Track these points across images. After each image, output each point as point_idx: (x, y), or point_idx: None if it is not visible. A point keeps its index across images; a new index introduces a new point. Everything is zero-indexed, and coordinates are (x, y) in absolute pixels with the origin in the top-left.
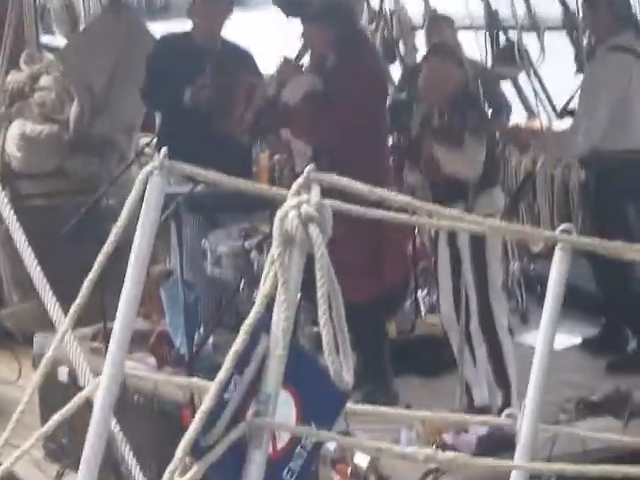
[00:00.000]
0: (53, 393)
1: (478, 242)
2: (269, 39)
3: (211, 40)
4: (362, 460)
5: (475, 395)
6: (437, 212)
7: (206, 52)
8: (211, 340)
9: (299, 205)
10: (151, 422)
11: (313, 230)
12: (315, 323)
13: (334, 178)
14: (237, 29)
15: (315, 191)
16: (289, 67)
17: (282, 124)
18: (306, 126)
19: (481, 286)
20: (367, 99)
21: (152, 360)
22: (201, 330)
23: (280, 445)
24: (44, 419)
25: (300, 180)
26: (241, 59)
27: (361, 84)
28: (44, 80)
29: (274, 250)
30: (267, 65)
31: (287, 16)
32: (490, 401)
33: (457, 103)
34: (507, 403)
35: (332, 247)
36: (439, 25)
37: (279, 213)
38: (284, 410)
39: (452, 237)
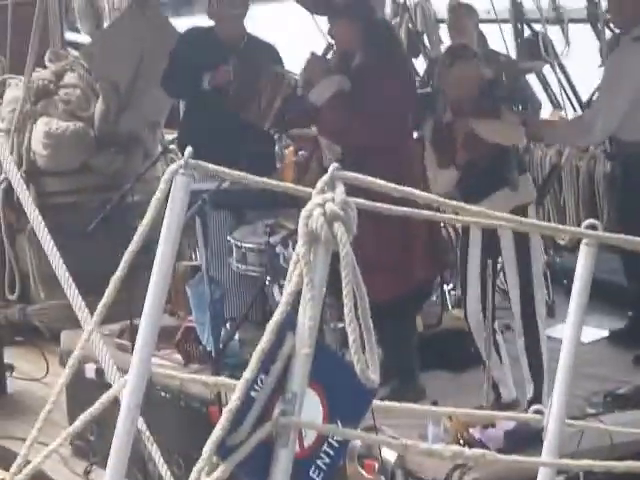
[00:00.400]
0: (80, 390)
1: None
2: (293, 32)
3: (234, 37)
4: (389, 455)
5: (502, 391)
6: (462, 209)
7: (230, 47)
8: (237, 336)
9: (324, 203)
10: (178, 418)
11: (338, 228)
12: (341, 319)
13: (358, 177)
14: (260, 22)
15: (340, 189)
16: (317, 64)
17: (309, 123)
18: (334, 127)
19: (524, 276)
20: (397, 96)
21: (178, 357)
22: (227, 326)
23: (307, 443)
24: (71, 416)
25: (325, 178)
26: (265, 51)
27: (390, 81)
28: (69, 77)
29: (299, 248)
30: (292, 59)
31: (312, 14)
32: (518, 395)
33: (485, 93)
34: (538, 396)
35: (361, 243)
36: (459, 17)
37: (304, 212)
38: (310, 409)
39: (488, 230)
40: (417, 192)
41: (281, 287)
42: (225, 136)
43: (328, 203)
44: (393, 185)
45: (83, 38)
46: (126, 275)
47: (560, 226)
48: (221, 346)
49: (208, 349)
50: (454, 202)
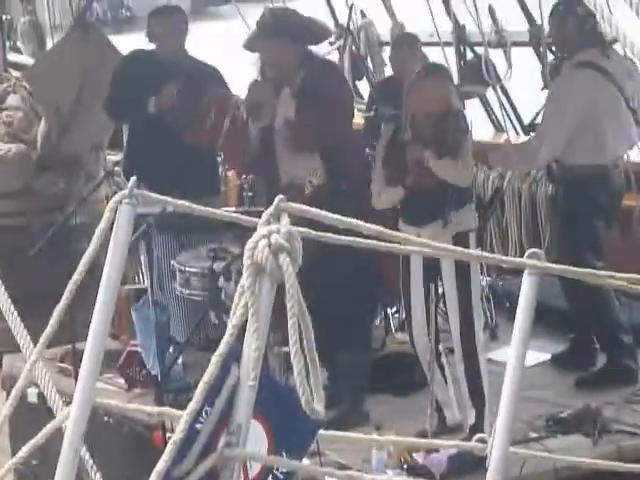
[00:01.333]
0: (22, 414)
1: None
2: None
3: (175, 57)
4: None
5: (447, 414)
6: (407, 240)
7: (172, 67)
8: (181, 360)
9: (269, 234)
10: (122, 443)
11: (283, 260)
12: (285, 343)
13: (303, 208)
14: (203, 41)
15: (285, 220)
16: (263, 89)
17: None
18: (309, 135)
19: (464, 301)
20: (335, 116)
21: (121, 381)
22: (171, 350)
23: (252, 475)
24: (13, 439)
25: (270, 210)
26: (207, 73)
27: (327, 103)
28: (11, 99)
29: (244, 280)
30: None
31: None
32: (462, 419)
33: (449, 117)
34: (480, 422)
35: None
36: (402, 51)
37: (249, 243)
38: (256, 440)
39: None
40: (362, 224)
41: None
42: (169, 160)
43: (273, 234)
44: (337, 217)
45: (25, 59)
46: (70, 304)
47: (503, 257)
48: (164, 371)
49: (153, 373)
50: (399, 234)
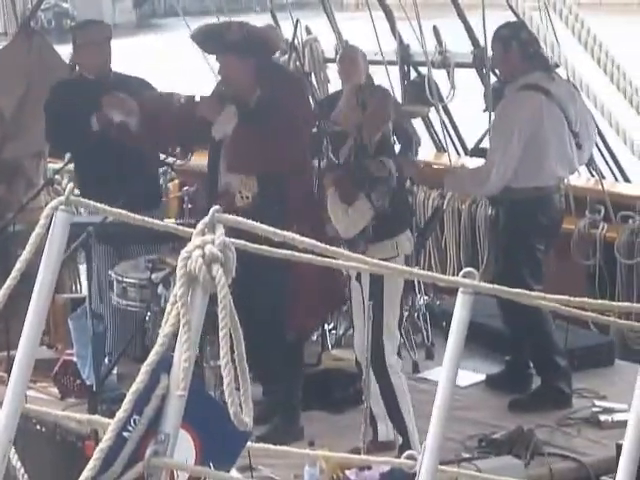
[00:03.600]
0: None
1: (376, 280)
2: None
3: (101, 74)
4: None
5: (380, 430)
6: (341, 255)
7: (100, 85)
8: (116, 370)
9: (203, 245)
10: (54, 453)
11: (217, 270)
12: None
13: (239, 220)
14: (148, 53)
15: (220, 231)
16: (210, 103)
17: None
18: (245, 158)
19: (375, 324)
20: (292, 134)
21: (55, 390)
22: (106, 361)
23: None
24: None
25: (205, 220)
26: (135, 84)
27: (286, 117)
28: None
29: (177, 290)
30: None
31: (204, 52)
32: (394, 436)
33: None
34: (406, 442)
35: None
36: (352, 60)
37: (183, 253)
38: (183, 450)
39: (359, 276)
40: (297, 237)
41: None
42: (111, 173)
43: (208, 245)
44: (272, 229)
45: None
46: (4, 305)
47: (437, 275)
48: (99, 381)
49: (88, 383)
50: (333, 248)
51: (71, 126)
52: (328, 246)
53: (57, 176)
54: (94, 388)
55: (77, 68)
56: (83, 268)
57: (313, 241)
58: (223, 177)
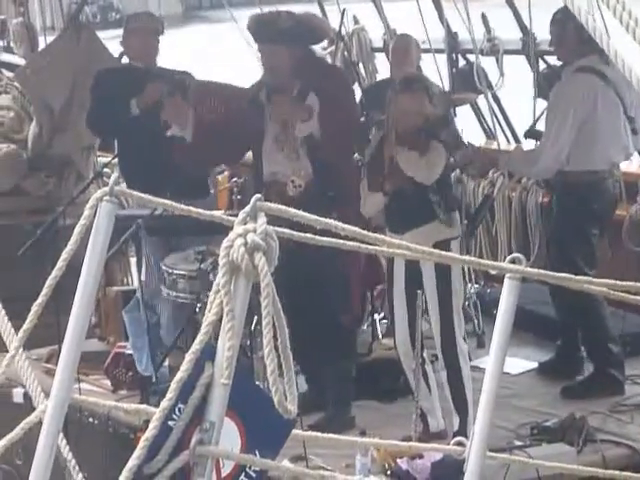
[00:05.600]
0: (8, 414)
1: (442, 265)
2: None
3: (148, 63)
4: None
5: (430, 421)
6: (385, 241)
7: (148, 73)
8: (167, 363)
9: (245, 234)
10: (106, 445)
11: (259, 259)
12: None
13: (280, 207)
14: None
15: (261, 220)
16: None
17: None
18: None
19: (445, 308)
20: (335, 128)
21: (107, 382)
22: (158, 353)
23: (224, 473)
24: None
25: (247, 209)
26: (181, 73)
27: (328, 107)
28: (3, 99)
29: (219, 279)
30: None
31: (256, 42)
32: (446, 426)
33: (427, 129)
34: (464, 428)
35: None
36: (406, 47)
37: (225, 242)
38: (228, 438)
39: (411, 261)
40: (340, 224)
41: None
42: (157, 161)
43: (249, 234)
44: (315, 217)
45: (18, 59)
46: (54, 299)
47: (482, 260)
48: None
49: (146, 374)
50: (378, 235)
51: (111, 110)
52: (374, 234)
53: (106, 169)
54: (153, 379)
55: (124, 57)
56: (134, 261)
57: (355, 228)
58: (268, 166)
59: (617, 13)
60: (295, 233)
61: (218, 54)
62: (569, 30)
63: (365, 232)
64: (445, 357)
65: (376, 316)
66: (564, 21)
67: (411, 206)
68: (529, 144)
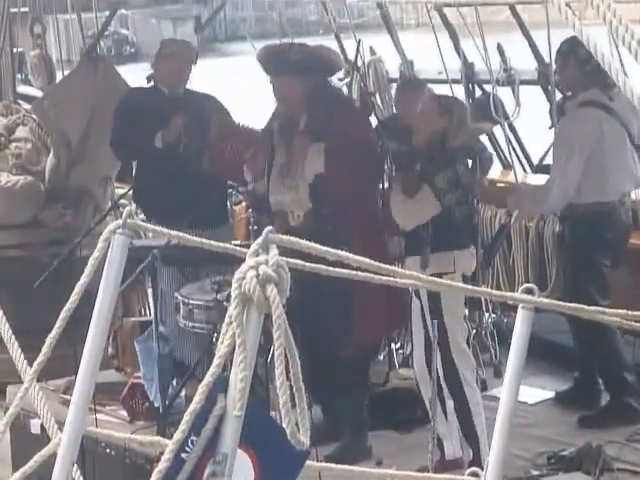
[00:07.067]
0: (25, 445)
1: (434, 297)
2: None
3: (175, 90)
4: None
5: (447, 448)
6: (394, 272)
7: (172, 101)
8: (184, 393)
9: (257, 266)
10: (123, 475)
11: (271, 291)
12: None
13: (292, 240)
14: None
15: (273, 251)
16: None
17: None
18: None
19: (441, 341)
20: (344, 161)
21: (124, 413)
22: (174, 383)
23: None
24: (16, 471)
25: (259, 240)
26: (207, 101)
27: (336, 139)
28: (20, 131)
29: (232, 310)
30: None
31: (266, 73)
32: (463, 454)
33: (436, 151)
34: (477, 458)
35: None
36: (407, 95)
37: (237, 274)
38: (242, 470)
39: (418, 293)
40: (351, 256)
41: None
42: (177, 192)
43: (262, 265)
44: (326, 248)
45: (35, 92)
46: (71, 330)
47: (494, 291)
48: (167, 403)
49: (156, 405)
50: (387, 266)
51: (135, 136)
52: (381, 264)
53: (123, 200)
54: (161, 410)
55: (152, 81)
56: (151, 291)
57: (366, 259)
58: (273, 196)
59: (626, 41)
60: (307, 264)
61: (235, 86)
62: (571, 63)
63: (376, 263)
64: (449, 388)
65: (393, 346)
66: (566, 53)
67: (406, 236)
68: (541, 178)
